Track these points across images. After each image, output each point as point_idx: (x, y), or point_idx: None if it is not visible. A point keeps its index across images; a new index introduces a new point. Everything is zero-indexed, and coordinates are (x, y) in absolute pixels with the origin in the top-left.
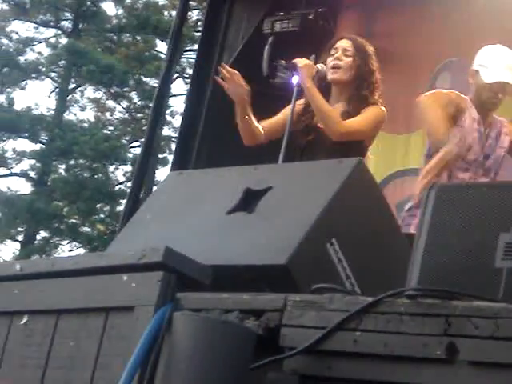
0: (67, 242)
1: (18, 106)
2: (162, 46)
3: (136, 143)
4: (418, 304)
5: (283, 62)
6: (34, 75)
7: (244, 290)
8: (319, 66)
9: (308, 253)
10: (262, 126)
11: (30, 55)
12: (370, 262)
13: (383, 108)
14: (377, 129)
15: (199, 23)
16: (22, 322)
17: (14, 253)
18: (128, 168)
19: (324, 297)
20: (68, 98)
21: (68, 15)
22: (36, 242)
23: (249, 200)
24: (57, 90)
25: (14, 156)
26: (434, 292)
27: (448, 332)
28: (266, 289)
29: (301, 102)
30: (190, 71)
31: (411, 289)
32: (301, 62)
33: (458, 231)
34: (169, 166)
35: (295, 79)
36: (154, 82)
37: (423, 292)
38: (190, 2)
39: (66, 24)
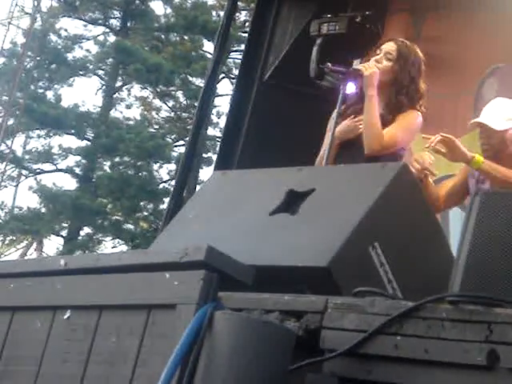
0: (110, 238)
1: (65, 103)
2: (209, 46)
3: (181, 142)
4: (459, 310)
5: (332, 66)
6: (81, 72)
7: (285, 291)
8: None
9: (350, 256)
10: None
11: (78, 52)
12: (413, 266)
13: (419, 113)
14: (414, 135)
15: (247, 24)
16: (65, 317)
17: (57, 248)
18: (172, 167)
19: (365, 300)
20: (114, 95)
21: (116, 13)
22: (79, 237)
23: (292, 201)
24: (104, 87)
25: (60, 152)
26: (477, 298)
27: (489, 339)
28: (307, 290)
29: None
30: (236, 71)
31: (453, 294)
32: (367, 69)
33: (502, 237)
34: (213, 166)
35: (350, 86)
36: (200, 82)
37: (465, 298)
38: (238, 3)
39: (115, 22)
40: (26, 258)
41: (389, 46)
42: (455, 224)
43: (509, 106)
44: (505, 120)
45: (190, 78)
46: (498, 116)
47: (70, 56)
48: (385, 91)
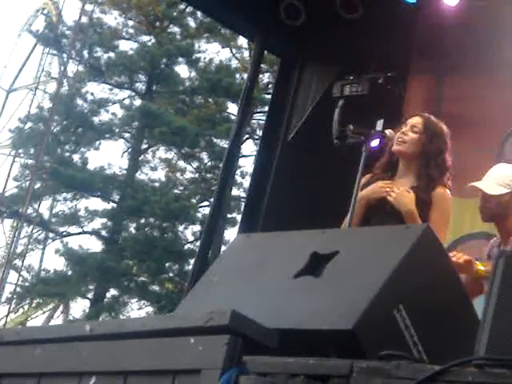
0: (136, 300)
1: (91, 166)
2: (233, 108)
3: (205, 203)
4: (486, 374)
5: (354, 128)
6: (107, 135)
7: (310, 355)
8: (388, 131)
9: (375, 318)
10: None
11: (104, 116)
12: (438, 328)
13: (448, 190)
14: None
15: (270, 86)
16: (91, 383)
17: (84, 310)
18: (197, 228)
19: (391, 364)
20: (140, 158)
21: (142, 77)
22: (105, 299)
23: (316, 264)
24: (129, 150)
25: (86, 215)
26: (503, 361)
27: None
28: (332, 354)
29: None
30: (259, 132)
31: (479, 358)
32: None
33: None
34: (238, 226)
35: (375, 141)
36: (224, 143)
37: (492, 361)
38: (262, 65)
39: (140, 86)
40: (52, 320)
41: (414, 120)
42: None
43: (506, 171)
44: (498, 185)
45: (215, 140)
46: (494, 181)
47: (96, 120)
48: (413, 163)
